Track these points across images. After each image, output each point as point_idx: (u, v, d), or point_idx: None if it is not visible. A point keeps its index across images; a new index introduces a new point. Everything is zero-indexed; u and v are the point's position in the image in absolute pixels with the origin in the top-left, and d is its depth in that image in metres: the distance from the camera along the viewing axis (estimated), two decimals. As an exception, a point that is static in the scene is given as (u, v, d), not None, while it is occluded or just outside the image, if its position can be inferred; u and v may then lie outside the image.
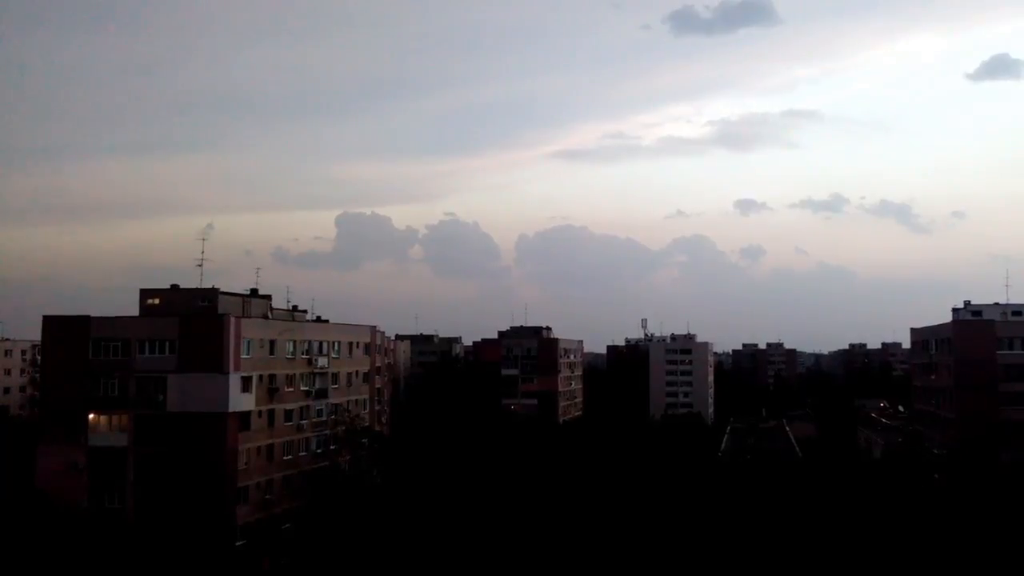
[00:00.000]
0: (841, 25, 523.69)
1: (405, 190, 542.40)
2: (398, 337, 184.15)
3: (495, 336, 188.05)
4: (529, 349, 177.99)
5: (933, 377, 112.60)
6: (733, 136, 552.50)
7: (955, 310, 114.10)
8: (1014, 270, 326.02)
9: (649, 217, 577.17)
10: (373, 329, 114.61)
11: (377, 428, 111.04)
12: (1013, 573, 61.17)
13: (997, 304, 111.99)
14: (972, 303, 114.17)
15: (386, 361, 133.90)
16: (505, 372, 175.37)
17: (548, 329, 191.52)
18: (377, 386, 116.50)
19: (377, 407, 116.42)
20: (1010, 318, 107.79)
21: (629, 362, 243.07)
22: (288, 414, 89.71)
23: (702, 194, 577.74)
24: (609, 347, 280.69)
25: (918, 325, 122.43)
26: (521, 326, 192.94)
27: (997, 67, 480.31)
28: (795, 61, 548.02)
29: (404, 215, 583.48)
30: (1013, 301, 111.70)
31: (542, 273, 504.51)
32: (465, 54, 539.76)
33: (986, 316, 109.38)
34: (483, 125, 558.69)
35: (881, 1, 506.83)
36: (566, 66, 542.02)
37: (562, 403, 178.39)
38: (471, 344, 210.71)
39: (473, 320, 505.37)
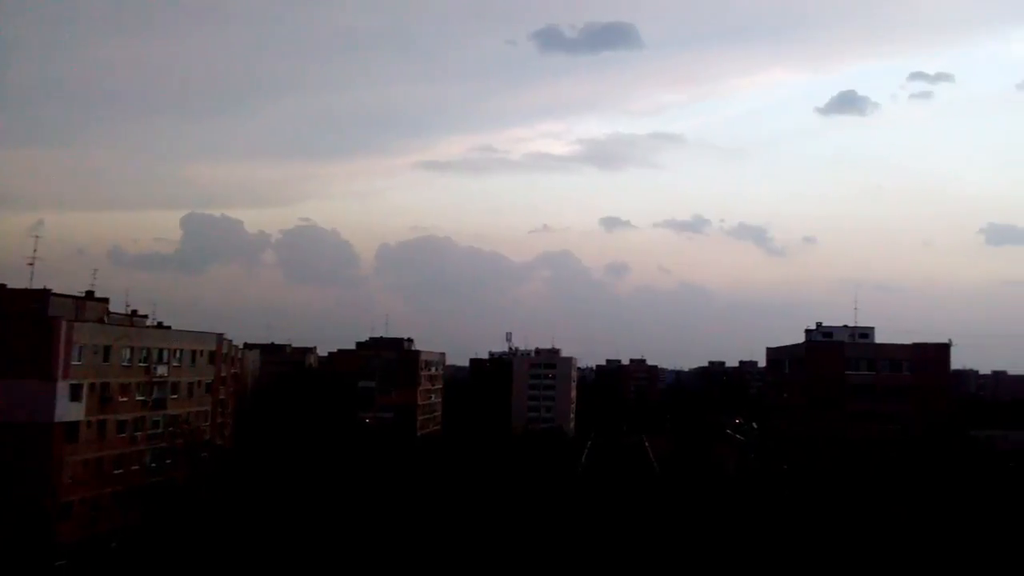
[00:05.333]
0: (704, 55, 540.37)
1: (259, 193, 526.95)
2: (247, 346, 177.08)
3: (353, 347, 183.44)
4: (389, 361, 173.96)
5: (786, 395, 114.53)
6: (601, 155, 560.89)
7: (808, 331, 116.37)
8: (861, 294, 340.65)
9: (515, 231, 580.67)
10: (220, 337, 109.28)
11: (219, 441, 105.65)
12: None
13: (846, 326, 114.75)
14: (823, 324, 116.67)
15: (232, 371, 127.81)
16: (362, 384, 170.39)
17: (410, 341, 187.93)
18: (221, 397, 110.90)
19: (220, 419, 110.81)
20: (858, 339, 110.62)
21: (492, 376, 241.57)
22: (121, 425, 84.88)
23: (569, 210, 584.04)
24: (472, 360, 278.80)
25: (773, 344, 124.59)
26: (381, 337, 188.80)
27: (844, 103, 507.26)
28: (661, 86, 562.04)
29: (257, 219, 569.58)
30: (860, 324, 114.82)
31: (404, 284, 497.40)
32: (327, 58, 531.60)
33: (836, 338, 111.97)
34: (344, 132, 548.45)
35: (741, 35, 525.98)
36: (432, 76, 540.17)
37: (421, 417, 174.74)
38: (327, 355, 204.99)
39: (330, 330, 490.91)
